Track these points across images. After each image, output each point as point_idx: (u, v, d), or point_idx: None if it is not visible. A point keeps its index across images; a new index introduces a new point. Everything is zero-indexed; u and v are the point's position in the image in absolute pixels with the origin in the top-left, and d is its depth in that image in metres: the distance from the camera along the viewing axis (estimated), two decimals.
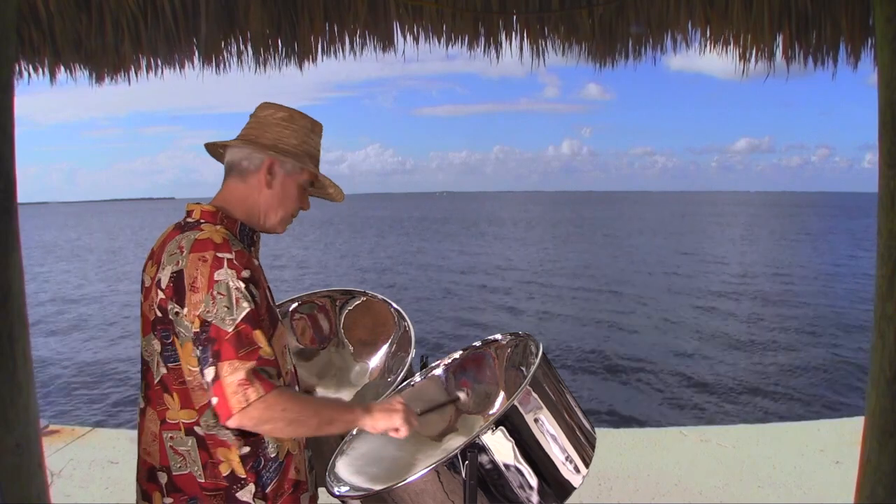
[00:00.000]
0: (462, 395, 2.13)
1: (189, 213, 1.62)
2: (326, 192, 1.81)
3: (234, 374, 1.39)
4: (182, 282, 1.46)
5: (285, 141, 1.65)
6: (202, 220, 1.58)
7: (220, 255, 1.47)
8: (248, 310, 1.44)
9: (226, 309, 1.42)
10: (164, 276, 1.48)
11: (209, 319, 1.42)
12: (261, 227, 1.68)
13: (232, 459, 1.52)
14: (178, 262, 1.48)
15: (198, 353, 1.43)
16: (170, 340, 1.49)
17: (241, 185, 1.65)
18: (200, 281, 1.44)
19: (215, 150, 1.74)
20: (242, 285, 1.45)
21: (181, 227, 1.59)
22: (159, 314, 1.49)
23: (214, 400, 1.41)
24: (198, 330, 1.43)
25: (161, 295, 1.48)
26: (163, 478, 1.55)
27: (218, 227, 1.56)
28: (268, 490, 1.55)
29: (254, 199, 1.64)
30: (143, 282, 1.61)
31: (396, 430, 1.60)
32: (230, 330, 1.41)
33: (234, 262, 1.47)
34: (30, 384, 1.97)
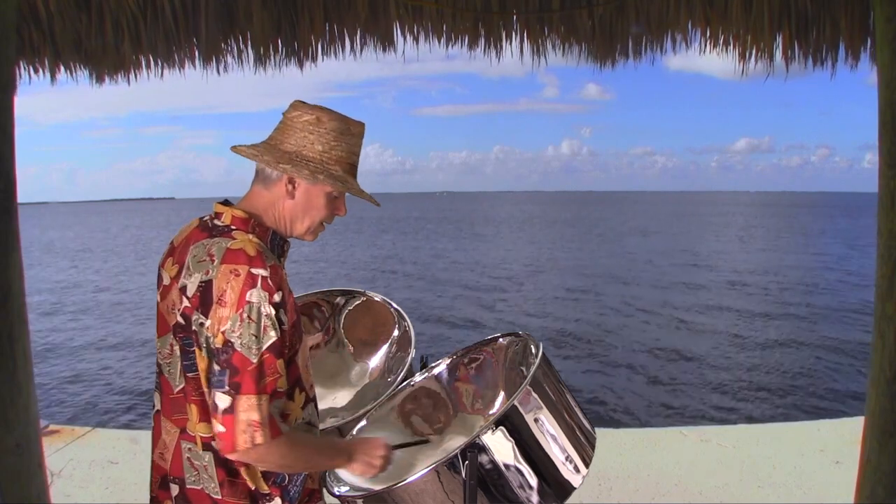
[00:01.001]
0: (433, 438, 2.10)
1: (218, 216, 1.55)
2: (364, 194, 1.67)
3: (248, 411, 1.37)
4: (210, 293, 1.40)
5: (309, 147, 1.54)
6: (233, 227, 1.52)
7: (254, 271, 1.40)
8: (274, 339, 1.40)
9: (253, 337, 1.37)
10: (192, 285, 1.43)
11: (233, 342, 1.37)
12: (288, 235, 1.61)
13: (254, 476, 1.50)
14: (208, 271, 1.42)
15: (214, 369, 1.39)
16: (192, 349, 1.45)
17: (265, 192, 1.56)
18: (230, 296, 1.38)
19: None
20: (273, 312, 1.40)
21: (209, 230, 1.53)
22: (182, 321, 1.45)
23: (221, 429, 1.38)
24: (220, 347, 1.38)
25: (186, 303, 1.43)
26: (174, 489, 1.53)
27: (250, 236, 1.49)
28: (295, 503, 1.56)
29: (278, 208, 1.56)
30: (160, 277, 1.57)
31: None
32: (254, 361, 1.37)
33: (269, 281, 1.40)
34: (30, 384, 1.97)
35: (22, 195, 2.05)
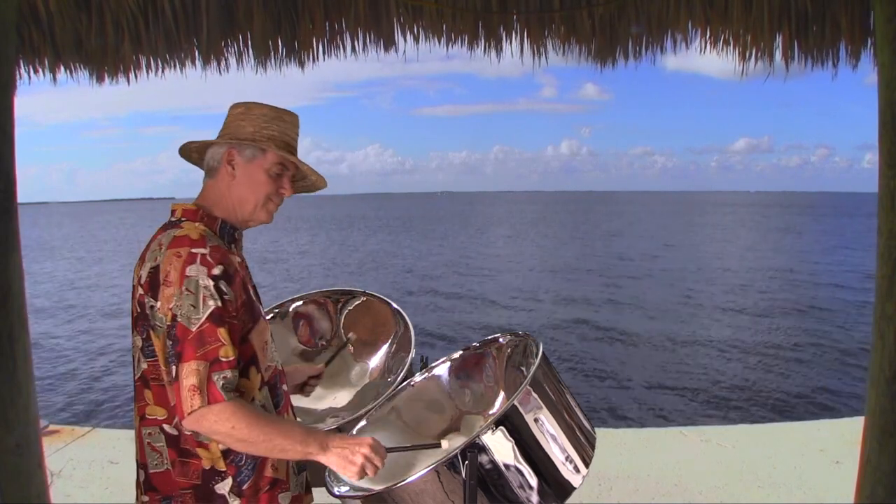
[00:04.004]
0: (444, 443, 1.89)
1: (173, 213, 1.66)
2: (309, 182, 1.82)
3: (188, 377, 1.42)
4: (157, 276, 1.49)
5: (240, 130, 1.67)
6: (183, 219, 1.62)
7: (193, 250, 1.50)
8: (212, 308, 1.46)
9: (192, 307, 1.45)
10: (144, 273, 1.52)
11: (176, 314, 1.45)
12: (242, 220, 1.69)
13: (213, 454, 1.54)
14: (157, 258, 1.51)
15: (167, 346, 1.46)
16: (145, 335, 1.52)
17: (213, 182, 1.69)
18: (173, 275, 1.47)
19: (189, 155, 1.76)
20: (211, 283, 1.47)
21: (165, 227, 1.62)
22: (139, 310, 1.53)
23: (173, 399, 1.46)
24: (169, 324, 1.46)
25: (140, 290, 1.52)
26: (141, 475, 1.59)
27: (197, 224, 1.60)
28: (244, 487, 1.57)
29: (226, 193, 1.67)
30: (133, 279, 1.63)
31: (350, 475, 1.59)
32: (193, 329, 1.44)
33: (208, 257, 1.49)
34: (30, 384, 1.97)
35: (22, 195, 2.05)
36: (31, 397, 1.98)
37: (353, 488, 1.77)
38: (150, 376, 1.53)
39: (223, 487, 1.54)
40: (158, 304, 1.47)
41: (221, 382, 1.44)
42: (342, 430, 2.07)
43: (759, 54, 2.98)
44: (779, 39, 2.91)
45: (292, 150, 1.72)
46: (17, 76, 2.88)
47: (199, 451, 1.54)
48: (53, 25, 2.81)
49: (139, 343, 1.54)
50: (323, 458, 1.56)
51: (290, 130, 1.73)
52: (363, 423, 2.06)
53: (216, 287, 1.47)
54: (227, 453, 1.55)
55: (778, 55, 2.94)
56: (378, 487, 1.64)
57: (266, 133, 1.67)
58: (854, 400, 9.21)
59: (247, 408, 1.49)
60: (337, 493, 1.76)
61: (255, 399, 1.60)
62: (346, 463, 1.55)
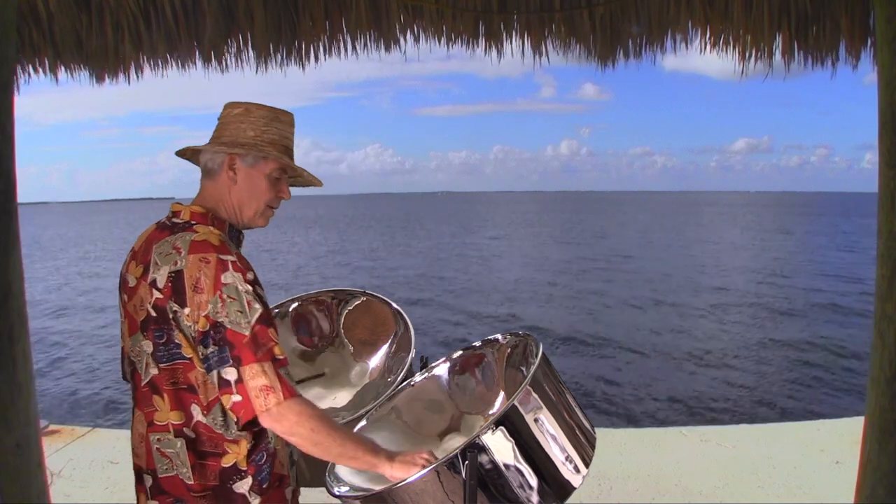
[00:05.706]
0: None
1: (176, 214, 1.63)
2: (304, 178, 1.80)
3: (255, 378, 1.43)
4: (182, 282, 1.46)
5: (242, 135, 1.65)
6: (193, 222, 1.59)
7: (222, 257, 1.49)
8: (260, 311, 1.47)
9: (239, 313, 1.45)
10: (161, 276, 1.49)
11: (221, 321, 1.44)
12: (241, 223, 1.69)
13: (241, 452, 1.54)
14: (177, 262, 1.48)
15: (207, 351, 1.45)
16: (163, 340, 1.49)
17: (212, 184, 1.67)
18: (205, 282, 1.45)
19: (184, 152, 1.75)
20: (250, 288, 1.48)
21: (169, 228, 1.59)
22: (154, 314, 1.50)
23: (237, 398, 1.44)
24: (205, 330, 1.44)
25: (158, 294, 1.49)
26: (148, 480, 1.56)
27: (211, 228, 1.58)
28: (264, 485, 1.57)
29: (225, 197, 1.66)
30: (125, 281, 1.61)
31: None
32: (247, 333, 1.44)
33: (238, 264, 1.50)
34: (30, 384, 1.97)
35: (22, 195, 2.05)
36: (31, 397, 1.98)
37: (354, 488, 1.77)
38: (164, 381, 1.51)
39: (242, 486, 1.54)
40: (187, 310, 1.46)
41: (287, 379, 1.46)
42: None
43: (759, 54, 2.98)
44: (779, 39, 2.91)
45: (291, 152, 1.72)
46: (18, 76, 2.89)
47: (228, 446, 1.52)
48: (53, 25, 2.82)
49: (148, 348, 1.51)
50: (388, 468, 1.58)
51: (287, 131, 1.72)
52: (363, 423, 2.06)
53: (255, 292, 1.48)
54: (251, 452, 1.55)
55: (778, 55, 2.95)
56: (378, 487, 1.64)
57: (267, 137, 1.66)
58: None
59: (321, 411, 1.53)
60: (337, 493, 1.76)
61: None
62: (409, 468, 1.57)
